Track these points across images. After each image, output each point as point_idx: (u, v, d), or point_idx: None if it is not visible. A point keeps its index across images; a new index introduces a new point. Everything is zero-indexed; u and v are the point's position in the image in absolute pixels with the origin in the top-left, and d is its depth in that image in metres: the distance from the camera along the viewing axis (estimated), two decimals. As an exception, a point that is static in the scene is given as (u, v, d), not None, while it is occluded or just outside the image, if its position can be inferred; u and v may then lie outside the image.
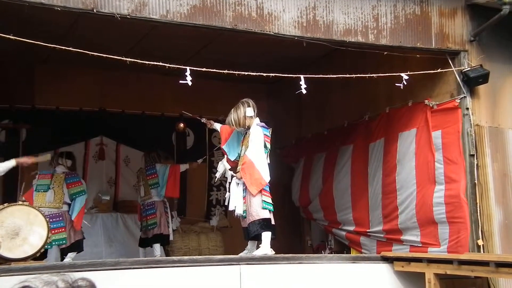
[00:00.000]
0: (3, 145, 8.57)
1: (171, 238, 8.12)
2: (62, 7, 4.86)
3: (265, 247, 5.72)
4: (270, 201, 5.83)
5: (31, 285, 1.31)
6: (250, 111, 5.97)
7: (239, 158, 6.05)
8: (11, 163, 5.89)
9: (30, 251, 5.53)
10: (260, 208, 5.75)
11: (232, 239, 8.52)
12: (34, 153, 7.72)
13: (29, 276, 1.35)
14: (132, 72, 8.19)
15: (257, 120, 6.03)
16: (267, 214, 5.78)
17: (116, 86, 8.95)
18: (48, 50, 5.12)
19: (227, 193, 6.15)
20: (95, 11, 5.00)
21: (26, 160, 5.76)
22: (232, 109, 6.04)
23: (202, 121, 6.88)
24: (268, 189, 5.86)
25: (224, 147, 6.24)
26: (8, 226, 5.46)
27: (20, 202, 6.10)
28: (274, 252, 5.76)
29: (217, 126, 6.53)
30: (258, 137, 5.87)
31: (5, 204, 5.66)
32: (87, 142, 9.13)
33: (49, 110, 8.67)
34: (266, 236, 5.75)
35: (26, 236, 5.54)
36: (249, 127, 6.00)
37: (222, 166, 6.22)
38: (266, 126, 6.06)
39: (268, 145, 5.95)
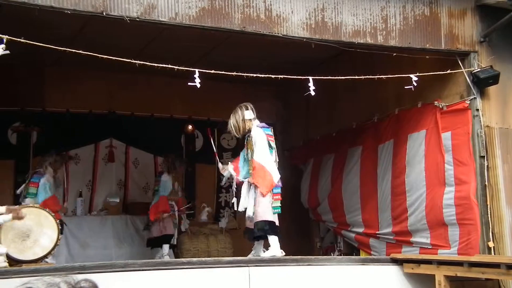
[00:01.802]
0: (15, 147, 8.65)
1: (175, 238, 8.19)
2: (72, 10, 4.89)
3: (274, 248, 5.71)
4: (279, 204, 5.79)
5: (33, 287, 1.31)
6: (248, 114, 5.88)
7: (247, 163, 5.98)
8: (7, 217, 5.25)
9: (40, 253, 5.57)
10: (267, 209, 5.72)
11: (241, 241, 8.46)
12: (43, 155, 7.77)
13: (31, 278, 1.36)
14: (141, 75, 8.21)
15: (256, 122, 5.96)
16: (273, 216, 5.76)
17: (125, 88, 9.01)
18: (58, 53, 5.16)
19: (234, 198, 6.13)
20: (104, 14, 5.02)
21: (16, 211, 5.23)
22: (231, 115, 5.95)
23: (218, 166, 6.25)
24: (278, 190, 5.80)
25: (239, 177, 5.97)
26: (19, 228, 5.49)
27: (31, 204, 6.14)
28: (283, 254, 5.75)
29: (230, 168, 6.10)
30: (261, 138, 5.81)
31: (17, 206, 5.71)
32: (97, 144, 9.19)
33: (59, 113, 8.73)
34: (274, 238, 5.73)
35: (37, 238, 5.57)
36: (249, 130, 5.92)
37: (228, 172, 6.13)
38: (267, 126, 5.98)
39: (273, 144, 5.87)
